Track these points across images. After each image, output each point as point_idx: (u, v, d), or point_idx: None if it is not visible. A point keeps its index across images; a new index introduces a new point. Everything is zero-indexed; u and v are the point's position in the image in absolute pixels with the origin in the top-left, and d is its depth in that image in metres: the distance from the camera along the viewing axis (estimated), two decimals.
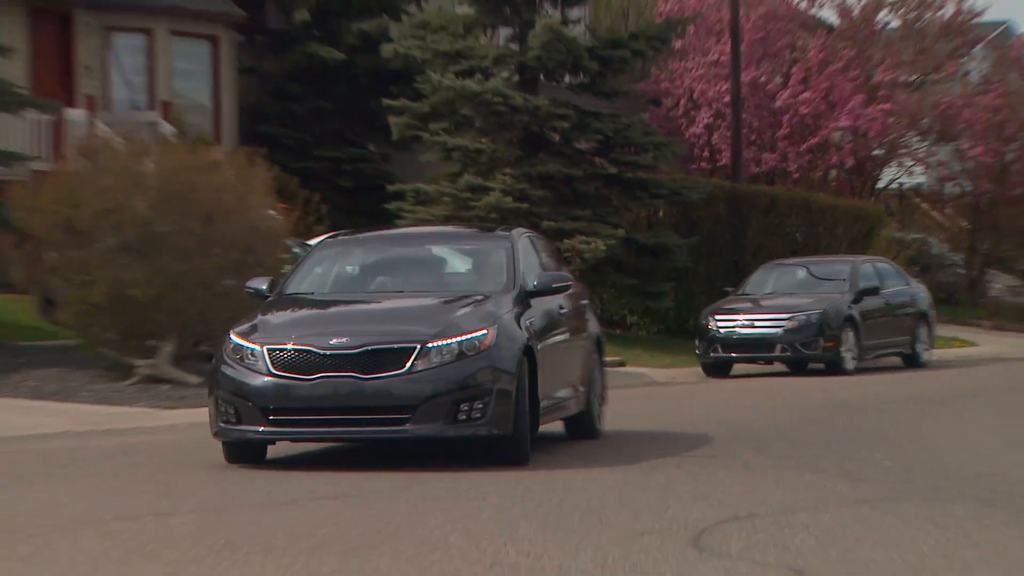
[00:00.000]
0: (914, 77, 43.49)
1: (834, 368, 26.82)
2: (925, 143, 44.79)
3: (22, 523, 10.15)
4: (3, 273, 24.01)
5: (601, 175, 30.74)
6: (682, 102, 40.49)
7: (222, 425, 12.71)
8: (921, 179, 46.63)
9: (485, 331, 12.47)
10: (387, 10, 33.72)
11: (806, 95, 40.35)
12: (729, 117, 37.27)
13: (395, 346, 12.32)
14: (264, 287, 14.17)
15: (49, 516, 10.43)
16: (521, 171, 29.94)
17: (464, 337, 12.37)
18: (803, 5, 43.54)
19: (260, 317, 13.20)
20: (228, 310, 19.41)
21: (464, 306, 13.03)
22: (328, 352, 12.32)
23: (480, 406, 12.20)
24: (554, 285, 14.01)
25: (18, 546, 9.25)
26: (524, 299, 13.50)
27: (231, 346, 12.78)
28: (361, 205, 32.39)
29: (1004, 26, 50.22)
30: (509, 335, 12.69)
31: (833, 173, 42.85)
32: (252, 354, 12.53)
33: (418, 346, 12.25)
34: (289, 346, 12.49)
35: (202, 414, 16.61)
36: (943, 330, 32.16)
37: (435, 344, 12.27)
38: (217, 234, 20.04)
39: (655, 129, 33.16)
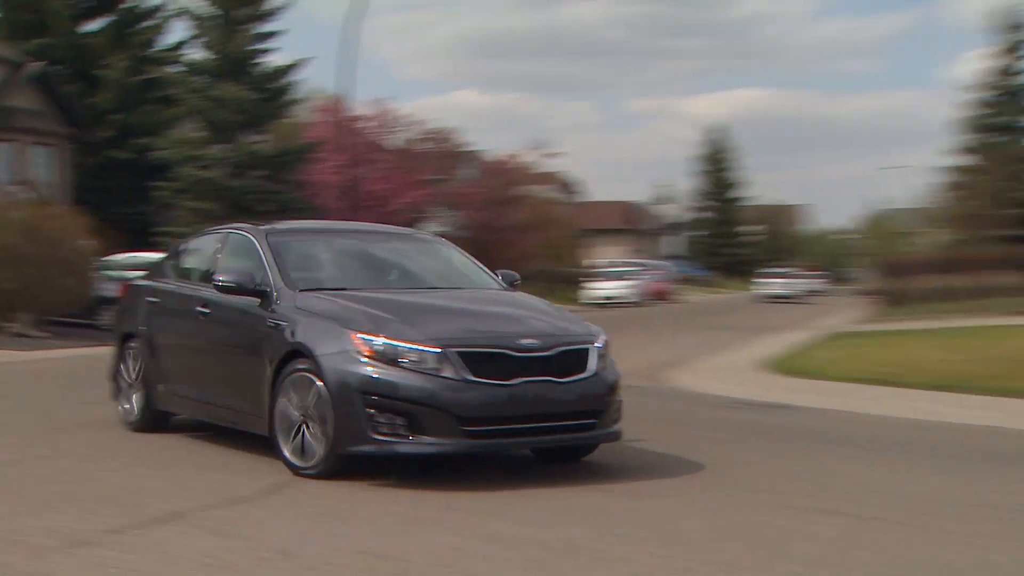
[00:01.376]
0: (437, 177, 44.03)
1: None
2: (445, 211, 45.53)
3: None
4: None
5: None
6: (321, 185, 39.76)
7: (380, 437, 5.97)
8: (445, 230, 47.24)
9: (600, 331, 6.76)
10: (157, 132, 32.04)
11: (385, 184, 40.34)
12: (350, 193, 36.93)
13: (579, 347, 6.42)
14: (241, 281, 6.79)
15: None
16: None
17: (604, 338, 6.68)
18: (383, 137, 43.44)
19: (359, 312, 6.32)
20: (64, 296, 18.45)
21: (549, 304, 7.14)
22: (523, 355, 6.14)
23: (622, 405, 6.74)
24: (514, 283, 7.76)
25: None
26: None
27: (376, 346, 6.06)
28: (141, 240, 30.55)
29: (479, 151, 51.36)
30: None
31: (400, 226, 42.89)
32: (425, 356, 6.02)
33: (591, 347, 6.48)
34: (483, 349, 6.12)
35: (46, 355, 15.41)
36: None
37: (596, 345, 6.53)
38: (57, 253, 18.62)
39: (307, 200, 32.62)
